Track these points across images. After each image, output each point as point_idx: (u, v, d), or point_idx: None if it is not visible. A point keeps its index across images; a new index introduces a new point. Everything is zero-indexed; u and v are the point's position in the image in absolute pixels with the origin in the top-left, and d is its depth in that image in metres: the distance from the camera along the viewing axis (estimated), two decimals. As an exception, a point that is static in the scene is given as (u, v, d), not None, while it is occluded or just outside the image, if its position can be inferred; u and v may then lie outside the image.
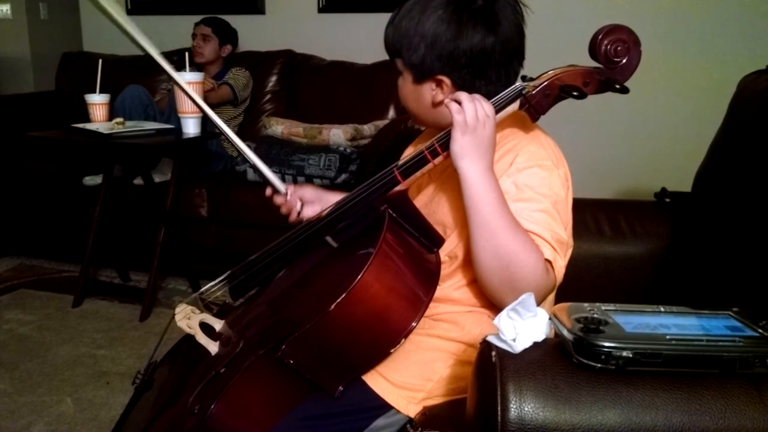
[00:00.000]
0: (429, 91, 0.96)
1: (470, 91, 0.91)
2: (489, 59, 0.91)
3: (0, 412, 1.76)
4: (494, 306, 0.93)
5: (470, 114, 0.86)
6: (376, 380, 0.91)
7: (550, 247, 0.86)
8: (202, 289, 1.09)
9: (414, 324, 0.86)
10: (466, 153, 0.87)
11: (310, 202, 1.12)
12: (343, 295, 0.80)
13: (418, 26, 0.92)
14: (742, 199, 1.10)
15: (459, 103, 0.87)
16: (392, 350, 0.86)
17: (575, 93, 0.87)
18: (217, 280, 1.09)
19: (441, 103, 0.95)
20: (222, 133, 1.07)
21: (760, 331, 0.65)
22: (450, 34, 0.90)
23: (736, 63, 2.43)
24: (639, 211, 1.39)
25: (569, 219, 0.95)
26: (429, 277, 0.91)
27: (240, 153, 1.10)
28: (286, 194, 1.08)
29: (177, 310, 1.05)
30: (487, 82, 0.93)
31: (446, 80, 0.93)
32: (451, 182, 0.98)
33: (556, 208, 0.89)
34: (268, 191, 1.11)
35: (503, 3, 0.92)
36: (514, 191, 0.90)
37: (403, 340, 0.85)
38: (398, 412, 0.90)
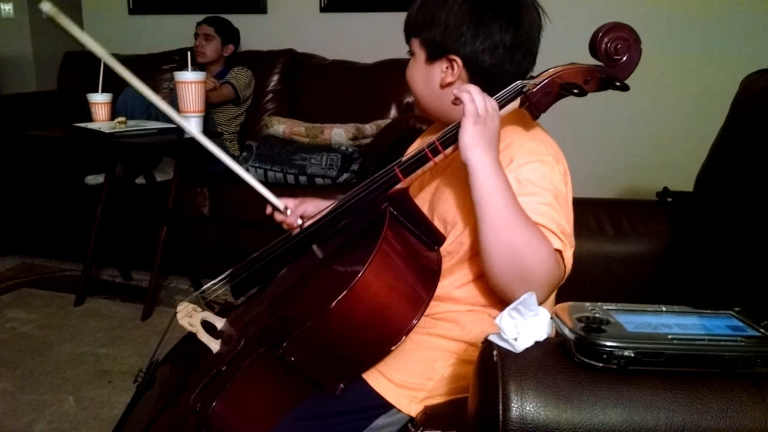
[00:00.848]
0: (439, 72, 0.97)
1: (479, 77, 0.93)
2: (505, 51, 0.93)
3: (2, 411, 1.76)
4: (496, 305, 0.93)
5: (481, 105, 0.86)
6: (377, 379, 0.91)
7: (557, 238, 0.87)
8: (204, 288, 1.09)
9: (415, 322, 0.86)
10: (478, 143, 0.86)
11: (312, 217, 1.13)
12: (344, 293, 0.80)
13: (443, 7, 0.94)
14: (743, 199, 1.10)
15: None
16: (393, 348, 0.86)
17: (576, 91, 0.88)
18: (218, 278, 1.09)
19: (450, 84, 0.96)
20: (219, 158, 1.09)
21: (762, 330, 0.65)
22: (474, 18, 0.92)
23: (738, 62, 2.42)
24: (641, 210, 1.39)
25: (570, 215, 0.95)
26: (430, 275, 0.91)
27: (235, 173, 1.11)
28: (286, 211, 1.08)
29: (179, 308, 1.05)
30: (499, 72, 0.94)
31: (459, 61, 0.95)
32: (454, 180, 0.98)
33: (558, 201, 0.90)
34: (269, 210, 1.12)
35: (527, 2, 0.94)
36: (516, 186, 0.90)
37: (404, 337, 0.85)
38: (399, 411, 0.90)
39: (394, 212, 0.93)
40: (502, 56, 0.93)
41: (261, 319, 0.98)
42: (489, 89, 0.90)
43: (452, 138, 0.90)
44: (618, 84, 0.89)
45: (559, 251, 0.86)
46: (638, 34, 0.89)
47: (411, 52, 1.01)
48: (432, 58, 0.97)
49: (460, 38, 0.93)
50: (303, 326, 0.82)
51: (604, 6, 2.67)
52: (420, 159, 0.92)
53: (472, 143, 0.86)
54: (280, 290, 1.04)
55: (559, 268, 0.86)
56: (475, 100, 0.86)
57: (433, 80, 0.98)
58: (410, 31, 1.00)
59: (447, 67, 0.96)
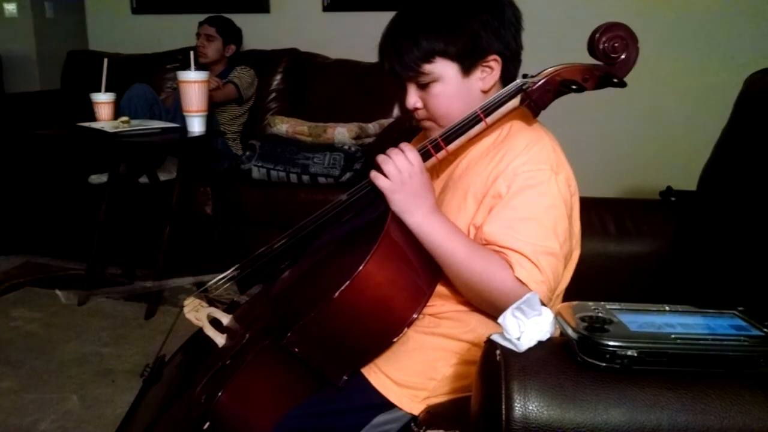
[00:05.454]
0: (477, 80, 0.97)
1: (510, 66, 0.96)
2: (517, 28, 0.97)
3: (7, 409, 1.77)
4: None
5: (391, 173, 0.90)
6: (380, 378, 0.91)
7: (528, 263, 0.85)
8: (209, 283, 1.10)
9: (415, 315, 0.87)
10: (404, 208, 0.90)
11: None
12: (347, 283, 0.81)
13: (457, 15, 0.94)
14: (747, 198, 1.10)
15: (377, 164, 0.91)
16: (395, 339, 0.87)
17: (574, 87, 0.89)
18: (224, 274, 1.10)
19: (493, 87, 0.97)
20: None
21: (766, 330, 0.65)
22: (491, 10, 0.94)
23: (742, 61, 2.42)
24: (644, 209, 1.39)
25: (569, 226, 0.93)
26: (431, 270, 0.92)
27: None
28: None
29: (185, 302, 1.07)
30: (519, 51, 0.98)
31: (498, 58, 0.95)
32: (453, 182, 0.98)
33: (549, 215, 0.88)
34: None
35: None
36: (506, 194, 0.90)
37: (405, 329, 0.87)
38: (401, 409, 0.90)
39: None
40: (517, 33, 0.97)
41: (266, 314, 0.99)
42: (512, 73, 0.96)
43: (456, 133, 0.91)
44: (616, 81, 0.91)
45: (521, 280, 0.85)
46: (635, 32, 0.90)
47: (426, 81, 0.95)
48: (468, 68, 0.95)
49: (491, 34, 0.94)
50: (307, 317, 0.83)
51: (608, 6, 2.66)
52: (423, 154, 0.93)
53: (400, 210, 0.90)
54: (285, 286, 1.05)
55: (524, 291, 0.83)
56: (386, 172, 0.90)
57: (473, 91, 0.97)
58: (424, 57, 0.93)
59: (483, 71, 0.96)
